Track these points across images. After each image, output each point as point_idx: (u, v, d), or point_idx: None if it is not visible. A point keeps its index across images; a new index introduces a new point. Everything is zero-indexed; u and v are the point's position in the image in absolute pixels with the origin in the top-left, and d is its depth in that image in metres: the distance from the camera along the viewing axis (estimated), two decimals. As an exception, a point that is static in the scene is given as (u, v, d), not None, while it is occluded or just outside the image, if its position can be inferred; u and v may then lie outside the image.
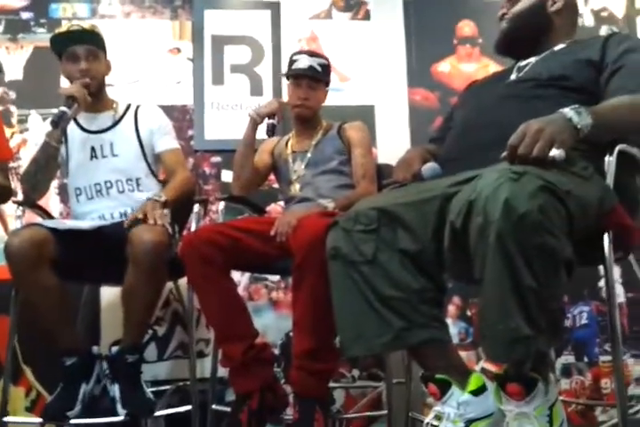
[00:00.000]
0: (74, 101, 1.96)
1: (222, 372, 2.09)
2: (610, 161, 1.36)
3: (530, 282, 1.08)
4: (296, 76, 2.11)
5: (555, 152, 1.20)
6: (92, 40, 2.10)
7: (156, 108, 2.27)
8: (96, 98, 2.08)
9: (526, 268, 1.08)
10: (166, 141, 2.18)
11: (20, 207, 2.07)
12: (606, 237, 1.29)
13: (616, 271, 2.52)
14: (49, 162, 2.02)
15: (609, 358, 2.48)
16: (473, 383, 1.26)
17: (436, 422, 1.28)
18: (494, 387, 1.19)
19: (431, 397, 1.30)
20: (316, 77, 2.10)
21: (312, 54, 2.16)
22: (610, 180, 1.34)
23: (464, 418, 1.25)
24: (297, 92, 2.10)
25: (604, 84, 1.51)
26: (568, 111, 1.27)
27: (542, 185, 1.12)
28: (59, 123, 1.94)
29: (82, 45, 2.07)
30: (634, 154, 1.43)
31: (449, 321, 2.51)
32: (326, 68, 2.14)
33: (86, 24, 2.13)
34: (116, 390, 1.83)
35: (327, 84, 2.17)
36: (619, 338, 1.29)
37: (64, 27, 2.12)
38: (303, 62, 2.09)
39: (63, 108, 1.94)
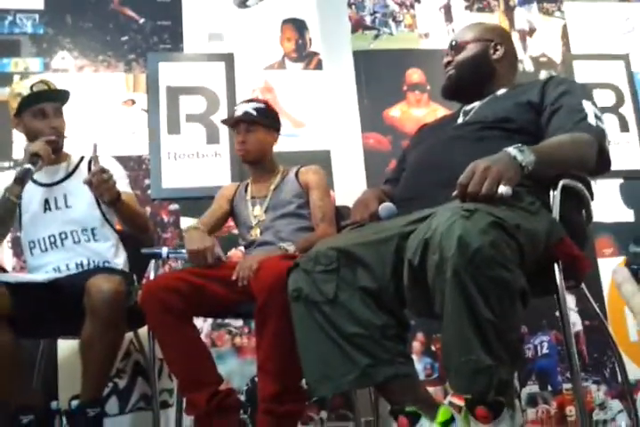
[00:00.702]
0: (38, 158, 1.96)
1: (188, 422, 2.05)
2: (555, 195, 1.42)
3: (487, 314, 1.12)
4: (233, 124, 2.17)
5: (502, 189, 1.26)
6: (60, 98, 2.13)
7: (109, 158, 2.27)
8: (55, 153, 2.09)
9: (483, 301, 1.12)
10: (119, 184, 2.14)
11: (-28, 262, 2.03)
12: (556, 267, 1.35)
13: (571, 300, 2.59)
14: (6, 216, 2.00)
15: (569, 385, 2.52)
16: (442, 415, 1.28)
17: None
18: (463, 411, 1.21)
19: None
20: (251, 120, 2.13)
21: (249, 101, 2.23)
22: (556, 213, 1.40)
23: (435, 449, 1.26)
24: (236, 139, 2.16)
25: (544, 124, 1.60)
26: (512, 150, 1.34)
27: (492, 221, 1.17)
28: (24, 180, 1.94)
29: (51, 103, 2.09)
30: (577, 188, 1.50)
31: (414, 357, 2.52)
32: (264, 111, 2.17)
33: (49, 83, 2.14)
34: (76, 445, 1.78)
35: (268, 126, 2.18)
36: (577, 365, 1.33)
37: (27, 83, 2.11)
38: (239, 110, 2.16)
39: (27, 166, 1.93)
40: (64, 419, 1.86)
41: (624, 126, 3.03)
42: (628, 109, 3.05)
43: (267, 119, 2.16)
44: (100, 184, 1.91)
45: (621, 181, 2.95)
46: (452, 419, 1.28)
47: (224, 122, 2.24)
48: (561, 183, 1.44)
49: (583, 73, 3.05)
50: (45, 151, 1.99)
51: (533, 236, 1.26)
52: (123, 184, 2.18)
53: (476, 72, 1.77)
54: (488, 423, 1.16)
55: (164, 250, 1.90)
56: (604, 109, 2.96)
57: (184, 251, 1.90)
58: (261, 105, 2.18)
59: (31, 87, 2.09)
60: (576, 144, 1.48)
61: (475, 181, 1.27)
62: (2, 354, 1.77)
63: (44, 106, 2.08)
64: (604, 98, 3.03)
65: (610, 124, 2.99)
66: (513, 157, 1.33)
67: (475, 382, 1.12)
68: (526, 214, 1.30)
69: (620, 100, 3.06)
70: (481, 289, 1.12)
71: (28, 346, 2.00)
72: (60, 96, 2.15)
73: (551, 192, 1.43)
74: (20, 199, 1.99)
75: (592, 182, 1.61)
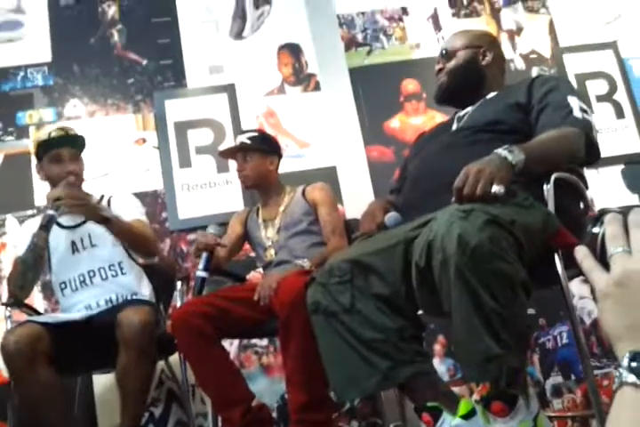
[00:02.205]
0: (60, 203, 2.03)
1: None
2: (548, 189, 1.48)
3: (492, 305, 1.18)
4: (232, 155, 2.27)
5: (495, 188, 1.32)
6: (74, 143, 2.22)
7: (128, 194, 2.37)
8: None
9: (486, 293, 1.18)
10: (133, 213, 2.24)
11: (8, 308, 2.11)
12: (556, 257, 1.40)
13: (586, 289, 2.62)
14: (37, 261, 2.07)
15: (596, 372, 2.53)
16: (463, 408, 1.33)
17: (433, 454, 1.33)
18: (480, 408, 1.25)
19: (425, 425, 1.36)
20: (246, 149, 2.22)
21: (243, 132, 2.33)
22: (550, 205, 1.45)
23: (457, 441, 1.31)
24: (237, 167, 2.25)
25: (533, 122, 1.66)
26: (502, 151, 1.40)
27: (488, 219, 1.24)
28: (49, 226, 2.02)
29: (66, 148, 2.18)
30: (570, 180, 1.56)
31: (436, 360, 2.57)
32: (259, 139, 2.25)
33: (68, 129, 2.24)
34: (122, 473, 1.84)
35: (265, 151, 2.24)
36: (586, 353, 1.37)
37: (47, 131, 2.22)
38: (237, 141, 2.25)
39: (51, 212, 2.01)
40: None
41: (619, 113, 3.05)
42: (621, 96, 3.07)
43: (262, 145, 2.24)
44: (72, 206, 1.99)
45: (622, 166, 2.97)
46: (474, 412, 1.33)
47: (221, 154, 2.33)
48: (553, 177, 1.49)
49: (574, 65, 3.09)
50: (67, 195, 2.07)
51: (529, 229, 1.31)
52: (136, 212, 2.26)
53: (467, 78, 1.83)
54: (506, 416, 1.21)
55: (200, 273, 1.95)
56: (597, 98, 3.03)
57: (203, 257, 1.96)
58: (255, 133, 2.27)
59: (49, 134, 2.20)
60: (563, 138, 1.54)
61: (469, 183, 1.33)
62: (47, 390, 1.84)
63: (60, 151, 2.17)
64: (597, 87, 3.07)
65: (605, 112, 3.03)
66: (503, 158, 1.39)
67: (486, 370, 1.18)
68: (521, 210, 1.35)
69: (613, 87, 3.08)
70: (483, 282, 1.18)
71: (66, 381, 2.07)
72: (76, 141, 2.24)
73: (545, 186, 1.49)
74: (47, 244, 2.08)
75: (585, 172, 1.65)
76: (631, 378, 0.57)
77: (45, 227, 2.02)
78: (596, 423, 1.34)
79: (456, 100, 1.87)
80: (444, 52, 1.88)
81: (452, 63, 1.85)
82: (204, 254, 1.92)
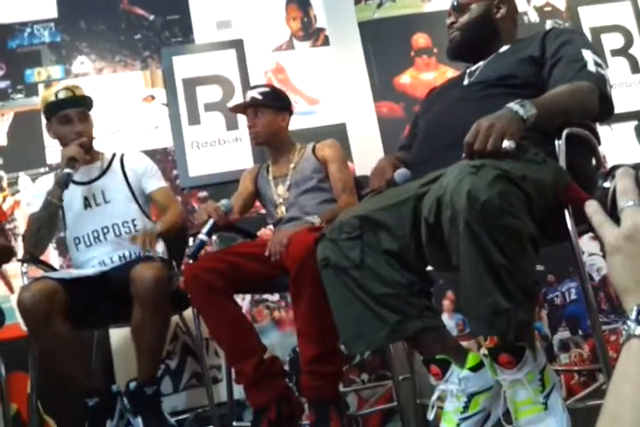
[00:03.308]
0: (75, 162, 2.08)
1: (238, 395, 2.16)
2: (559, 144, 1.46)
3: (500, 260, 1.18)
4: (243, 110, 2.24)
5: (506, 144, 1.31)
6: (81, 103, 2.23)
7: (139, 153, 2.39)
8: (87, 153, 2.20)
9: (495, 248, 1.19)
10: (154, 182, 2.30)
11: (25, 264, 2.14)
12: (566, 213, 1.40)
13: (595, 245, 2.63)
14: (52, 218, 2.11)
15: (603, 327, 2.56)
16: (471, 361, 1.36)
17: (440, 404, 1.37)
18: (488, 360, 1.28)
19: (434, 378, 1.39)
20: (257, 105, 2.19)
21: (254, 87, 2.29)
22: (562, 161, 1.44)
23: (466, 393, 1.35)
24: (247, 124, 2.23)
25: (546, 76, 1.63)
26: (513, 105, 1.39)
27: (498, 174, 1.23)
28: (66, 184, 2.05)
29: (74, 109, 2.19)
30: (582, 135, 1.54)
31: (445, 315, 2.61)
32: (270, 94, 2.22)
33: (75, 88, 2.24)
34: (139, 422, 1.90)
35: (276, 107, 2.21)
36: (594, 305, 1.38)
37: (54, 91, 2.21)
38: (247, 97, 2.23)
39: (68, 170, 2.05)
40: (125, 400, 1.98)
41: (635, 67, 2.98)
42: (637, 50, 2.99)
43: (273, 101, 2.21)
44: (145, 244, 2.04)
45: (636, 122, 2.92)
46: (482, 364, 1.36)
47: (232, 110, 2.31)
48: (565, 132, 1.48)
49: (589, 17, 3.01)
50: (80, 154, 2.10)
51: (539, 184, 1.31)
52: (156, 180, 2.30)
53: (480, 33, 1.79)
54: (513, 368, 1.24)
55: (202, 237, 1.95)
56: (612, 52, 2.96)
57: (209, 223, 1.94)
58: (266, 89, 2.24)
59: (56, 94, 2.20)
60: (576, 93, 1.52)
61: (480, 138, 1.32)
62: (65, 344, 1.89)
63: (67, 112, 2.18)
64: (613, 41, 2.99)
65: (620, 66, 2.96)
66: (515, 112, 1.37)
67: (494, 324, 1.19)
68: (532, 165, 1.34)
69: (629, 41, 3.00)
70: (492, 237, 1.18)
71: (83, 335, 2.12)
72: (83, 101, 2.24)
73: (556, 141, 1.47)
74: (62, 201, 2.10)
75: (598, 128, 1.63)
76: (639, 330, 0.58)
77: (63, 184, 2.04)
78: (603, 377, 1.36)
79: (468, 55, 1.84)
80: (455, 4, 1.83)
81: (465, 17, 1.81)
82: (211, 220, 1.92)
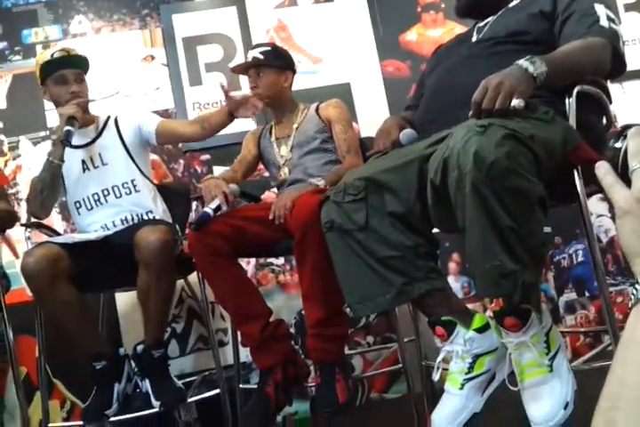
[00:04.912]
0: (75, 120, 2.04)
1: (244, 357, 2.18)
2: (570, 103, 1.42)
3: (507, 222, 1.16)
4: (245, 71, 2.18)
5: (515, 102, 1.28)
6: (78, 64, 2.19)
7: (133, 112, 2.35)
8: (83, 116, 2.16)
9: (502, 210, 1.16)
10: (154, 119, 2.27)
11: (28, 229, 2.13)
12: (575, 173, 1.37)
13: (604, 207, 2.60)
14: (54, 179, 2.09)
15: (610, 289, 2.56)
16: (477, 322, 1.35)
17: (445, 366, 1.37)
18: (493, 323, 1.27)
19: (439, 339, 1.39)
20: (259, 64, 2.13)
21: (255, 46, 2.22)
22: (572, 120, 1.41)
23: (471, 353, 1.35)
24: (249, 84, 2.18)
25: (557, 32, 1.58)
26: (523, 62, 1.35)
27: (506, 133, 1.20)
28: (69, 141, 2.01)
29: (70, 69, 2.15)
30: (594, 93, 1.50)
31: (451, 277, 2.61)
32: (271, 53, 2.16)
33: (70, 50, 2.20)
34: (147, 385, 1.92)
35: (279, 66, 2.17)
36: (601, 267, 1.37)
37: (49, 52, 2.17)
38: (248, 56, 2.17)
39: (69, 128, 2.01)
40: (132, 363, 2.00)
41: (649, 23, 2.90)
42: (652, 5, 2.91)
43: (275, 61, 2.16)
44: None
45: (650, 80, 2.86)
46: (488, 326, 1.35)
47: (233, 70, 2.25)
48: (576, 90, 1.44)
49: (602, -31, 2.92)
50: (78, 113, 2.07)
51: (548, 144, 1.27)
52: (156, 117, 2.29)
53: None
54: (518, 332, 1.23)
55: (208, 210, 1.87)
56: (626, 7, 2.87)
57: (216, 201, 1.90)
58: (268, 48, 2.18)
59: (52, 55, 2.16)
60: (588, 49, 1.47)
61: (488, 97, 1.29)
62: (70, 308, 1.90)
63: (64, 72, 2.15)
64: (627, -5, 2.90)
65: (633, 22, 2.87)
66: (524, 70, 1.33)
67: (500, 286, 1.18)
68: (541, 124, 1.31)
69: (644, -4, 2.92)
70: (500, 199, 1.16)
71: (90, 300, 2.13)
72: (79, 62, 2.20)
73: (566, 100, 1.43)
74: (63, 161, 2.07)
75: (610, 86, 1.59)
76: None
77: (66, 142, 2.01)
78: (609, 338, 1.36)
79: (478, 12, 1.78)
80: None
81: None
82: (221, 197, 1.88)
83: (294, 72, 2.24)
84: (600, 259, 1.38)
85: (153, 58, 2.84)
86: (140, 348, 1.96)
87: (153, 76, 2.82)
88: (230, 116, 2.10)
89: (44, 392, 2.03)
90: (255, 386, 1.83)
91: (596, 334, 2.52)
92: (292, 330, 2.54)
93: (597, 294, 2.50)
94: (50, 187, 2.09)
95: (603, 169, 0.63)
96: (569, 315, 2.64)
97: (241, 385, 2.05)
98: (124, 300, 2.54)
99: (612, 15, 1.55)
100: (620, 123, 2.73)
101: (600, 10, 1.55)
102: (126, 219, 2.16)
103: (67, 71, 2.15)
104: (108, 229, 2.15)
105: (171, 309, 2.08)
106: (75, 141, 2.13)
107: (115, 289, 2.34)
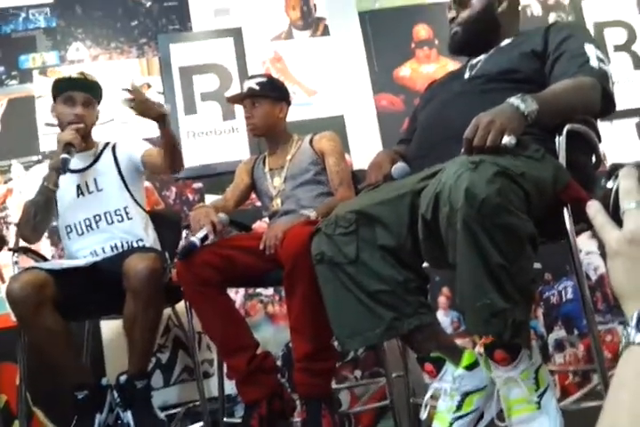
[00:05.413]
0: (72, 147, 2.04)
1: (229, 390, 2.15)
2: (560, 141, 1.44)
3: (498, 259, 1.16)
4: (240, 101, 2.21)
5: (506, 139, 1.29)
6: (90, 89, 2.21)
7: (131, 140, 2.36)
8: (83, 141, 2.17)
9: (493, 247, 1.16)
10: (143, 147, 2.27)
11: (16, 254, 2.12)
12: (565, 211, 1.38)
13: (593, 244, 2.61)
14: (48, 203, 2.09)
15: (599, 327, 2.55)
16: (466, 359, 1.34)
17: (434, 403, 1.35)
18: (483, 356, 1.26)
19: (427, 376, 1.37)
20: (255, 95, 2.15)
21: (251, 77, 2.25)
22: (562, 158, 1.42)
23: (460, 391, 1.34)
24: (244, 114, 2.20)
25: (548, 71, 1.60)
26: (514, 100, 1.36)
27: (498, 171, 1.21)
28: (64, 169, 2.02)
29: (80, 92, 2.17)
30: (583, 132, 1.51)
31: (441, 312, 2.59)
32: (268, 85, 2.18)
33: (88, 75, 2.25)
34: (129, 416, 1.89)
35: (274, 98, 2.18)
36: (591, 309, 1.37)
37: (68, 73, 2.26)
38: (244, 87, 2.19)
39: (65, 156, 2.01)
40: (115, 393, 1.96)
41: (637, 64, 2.96)
42: (640, 46, 2.99)
43: (271, 92, 2.17)
44: (141, 102, 2.00)
45: (637, 119, 2.91)
46: (477, 363, 1.34)
47: (229, 100, 2.27)
48: (566, 128, 1.45)
49: (593, 12, 2.99)
50: (76, 139, 2.07)
51: (539, 182, 1.28)
52: (146, 145, 2.29)
53: (482, 28, 1.76)
54: (507, 366, 1.22)
55: (195, 240, 1.87)
56: (615, 48, 2.94)
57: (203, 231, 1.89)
58: (264, 79, 2.20)
59: (69, 75, 2.22)
60: (579, 88, 1.49)
61: (479, 134, 1.30)
62: (54, 335, 1.88)
63: (73, 94, 2.17)
64: (616, 36, 2.97)
65: (623, 62, 2.94)
66: (516, 108, 1.35)
67: (490, 324, 1.17)
68: (531, 162, 1.32)
69: (632, 37, 2.98)
70: (490, 236, 1.16)
71: (74, 328, 2.10)
72: (91, 87, 2.22)
73: (557, 138, 1.45)
74: (57, 187, 2.07)
75: (599, 124, 1.61)
76: (639, 338, 0.56)
77: (63, 170, 2.01)
78: (598, 378, 1.35)
79: (470, 50, 1.81)
80: None
81: (466, 12, 1.77)
82: (209, 227, 1.88)
83: (289, 103, 2.26)
84: (589, 297, 1.38)
85: (149, 86, 2.85)
86: (123, 378, 1.93)
87: (148, 104, 2.83)
88: (160, 126, 2.07)
89: (22, 421, 1.99)
90: (239, 420, 1.80)
91: (585, 373, 2.50)
92: (279, 363, 2.51)
93: (586, 333, 2.50)
94: (43, 210, 2.09)
95: (594, 208, 0.64)
96: (558, 353, 2.63)
97: (225, 419, 2.02)
98: (110, 328, 2.50)
99: (601, 55, 1.58)
100: (609, 161, 2.76)
101: (590, 50, 1.57)
102: (116, 246, 2.15)
103: (76, 93, 2.17)
104: (97, 255, 2.14)
105: (156, 338, 2.06)
106: (72, 165, 2.13)
107: (101, 317, 2.32)
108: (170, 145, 2.11)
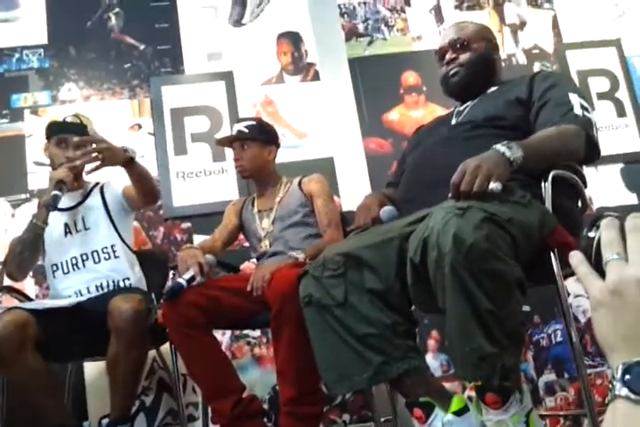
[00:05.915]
0: (63, 184, 2.05)
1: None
2: (546, 186, 1.46)
3: (487, 305, 1.17)
4: (230, 144, 2.24)
5: (493, 185, 1.31)
6: (84, 133, 2.22)
7: (118, 180, 2.36)
8: (74, 180, 2.17)
9: (481, 292, 1.17)
10: (126, 182, 2.24)
11: (-1, 293, 2.11)
12: (552, 256, 1.39)
13: (582, 287, 2.61)
14: (35, 241, 2.09)
15: (589, 371, 2.55)
16: (455, 404, 1.32)
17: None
18: (474, 399, 1.25)
19: (416, 421, 1.35)
20: (243, 138, 2.18)
21: (241, 120, 2.29)
22: (548, 203, 1.44)
23: (449, 437, 1.31)
24: (233, 156, 2.22)
25: (533, 119, 1.64)
26: (500, 147, 1.39)
27: (485, 217, 1.22)
28: (54, 206, 2.02)
29: (73, 135, 2.18)
30: (568, 178, 1.54)
31: (430, 355, 2.57)
32: (257, 128, 2.21)
33: (84, 117, 2.28)
34: (110, 461, 1.84)
35: (262, 141, 2.21)
36: (580, 352, 1.37)
37: (64, 114, 2.28)
38: (233, 130, 2.22)
39: (56, 192, 2.01)
40: (96, 438, 1.93)
41: (621, 111, 3.04)
42: (623, 94, 3.07)
43: (260, 135, 2.20)
44: (103, 150, 1.99)
45: (622, 165, 2.96)
46: (467, 408, 1.32)
47: (218, 143, 2.30)
48: (551, 174, 1.48)
49: (576, 61, 3.08)
50: (68, 177, 2.08)
51: (526, 227, 1.30)
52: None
53: (482, 70, 1.80)
54: (499, 409, 1.21)
55: (182, 281, 1.87)
56: (599, 96, 3.02)
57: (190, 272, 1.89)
58: (253, 122, 2.24)
59: (65, 118, 2.25)
60: (563, 136, 1.52)
61: (466, 180, 1.32)
62: (35, 377, 1.84)
63: (66, 136, 2.19)
64: (599, 84, 3.06)
65: (606, 110, 3.02)
66: (502, 154, 1.38)
67: (479, 369, 1.17)
68: (518, 207, 1.34)
69: (615, 85, 3.07)
70: (478, 281, 1.17)
71: (56, 370, 2.06)
72: (85, 131, 2.24)
73: (542, 183, 1.47)
74: (46, 224, 2.07)
75: (585, 170, 1.64)
76: (624, 391, 0.55)
77: (54, 207, 2.02)
78: (588, 422, 1.34)
79: (467, 93, 1.82)
80: (457, 40, 1.81)
81: (468, 54, 1.80)
82: (196, 268, 1.88)
83: (278, 146, 2.29)
84: (578, 342, 1.39)
85: (140, 127, 2.88)
86: (105, 422, 1.90)
87: (139, 145, 2.84)
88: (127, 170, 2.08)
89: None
90: (224, 467, 1.75)
91: (576, 417, 2.48)
92: (266, 406, 2.47)
93: (577, 376, 2.48)
94: (31, 248, 2.09)
95: (576, 259, 0.64)
96: (549, 396, 2.61)
97: (210, 466, 1.97)
98: (93, 368, 2.46)
99: (585, 104, 1.62)
100: (595, 205, 2.80)
101: (574, 99, 1.62)
102: (101, 285, 2.13)
103: (69, 136, 2.18)
104: (81, 295, 2.12)
105: (140, 380, 2.02)
106: (61, 204, 2.13)
107: (84, 359, 2.28)
108: (139, 181, 2.13)
